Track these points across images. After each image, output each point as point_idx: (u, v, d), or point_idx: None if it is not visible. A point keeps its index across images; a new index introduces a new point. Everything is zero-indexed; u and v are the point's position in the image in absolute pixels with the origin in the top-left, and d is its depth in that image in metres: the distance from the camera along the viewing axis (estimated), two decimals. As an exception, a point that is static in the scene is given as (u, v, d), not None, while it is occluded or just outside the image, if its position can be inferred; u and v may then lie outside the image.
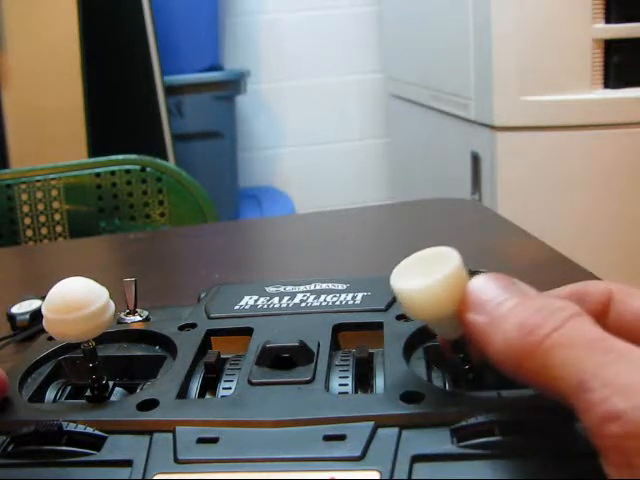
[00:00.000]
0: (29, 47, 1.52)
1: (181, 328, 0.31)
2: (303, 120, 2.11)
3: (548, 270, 0.55)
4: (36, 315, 0.48)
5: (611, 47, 1.26)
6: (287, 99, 2.09)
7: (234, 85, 1.82)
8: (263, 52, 2.05)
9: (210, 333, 0.30)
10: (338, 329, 0.30)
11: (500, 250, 0.59)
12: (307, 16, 2.04)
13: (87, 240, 0.86)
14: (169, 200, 0.96)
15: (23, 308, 0.48)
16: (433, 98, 1.62)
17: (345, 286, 0.34)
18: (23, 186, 0.95)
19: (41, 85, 1.54)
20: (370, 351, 0.28)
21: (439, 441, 0.22)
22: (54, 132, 1.54)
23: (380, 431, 0.22)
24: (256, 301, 0.33)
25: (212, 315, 0.32)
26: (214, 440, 0.23)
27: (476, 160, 1.41)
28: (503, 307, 0.22)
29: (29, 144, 1.53)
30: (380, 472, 0.21)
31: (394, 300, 0.31)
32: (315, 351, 0.27)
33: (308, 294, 0.33)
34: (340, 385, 0.26)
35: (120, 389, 0.28)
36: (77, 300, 0.25)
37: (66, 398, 0.28)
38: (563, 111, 1.27)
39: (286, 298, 0.33)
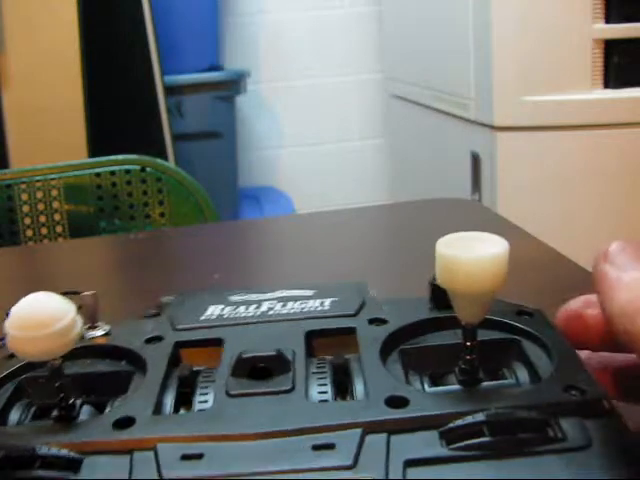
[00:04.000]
0: (29, 47, 1.52)
1: (147, 341, 0.30)
2: (303, 120, 2.11)
3: (548, 270, 0.55)
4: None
5: (611, 47, 1.26)
6: (287, 99, 2.09)
7: (234, 85, 1.82)
8: (263, 52, 2.05)
9: (179, 345, 0.29)
10: (310, 336, 0.29)
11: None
12: (307, 16, 2.04)
13: (87, 240, 0.86)
14: (169, 200, 0.96)
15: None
16: (433, 98, 1.62)
17: (312, 292, 0.33)
18: (23, 186, 0.95)
19: (41, 85, 1.54)
20: (345, 357, 0.27)
21: (429, 445, 0.22)
22: (54, 132, 1.54)
23: (368, 438, 0.22)
24: (222, 310, 0.32)
25: (178, 327, 0.30)
26: (199, 456, 0.22)
27: (476, 160, 1.41)
28: (637, 271, 0.23)
29: (29, 144, 1.54)
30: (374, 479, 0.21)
31: (363, 304, 0.31)
32: (291, 359, 0.27)
33: (275, 302, 0.32)
34: (319, 393, 0.26)
35: (88, 408, 0.27)
36: (44, 316, 0.24)
37: (32, 419, 0.27)
38: (563, 111, 1.27)
39: (253, 306, 0.32)
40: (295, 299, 0.32)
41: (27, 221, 0.95)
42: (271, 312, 0.31)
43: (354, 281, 0.34)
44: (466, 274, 0.23)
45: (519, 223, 0.64)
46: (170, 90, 1.67)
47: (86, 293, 0.32)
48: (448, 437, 0.22)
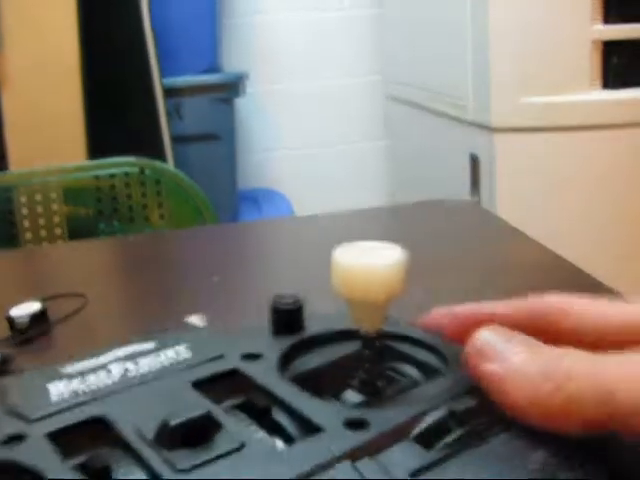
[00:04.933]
0: (29, 47, 1.52)
1: (5, 444, 0.24)
2: (302, 122, 2.11)
3: (547, 272, 0.55)
4: (35, 317, 0.48)
5: (610, 48, 1.26)
6: (286, 101, 2.09)
7: (233, 87, 1.82)
8: (262, 54, 2.05)
9: (53, 437, 0.24)
10: (198, 387, 0.26)
11: (498, 252, 0.59)
12: (306, 18, 2.04)
13: (86, 242, 0.86)
14: (168, 202, 0.96)
15: (22, 310, 0.48)
16: (431, 100, 1.62)
17: (153, 344, 0.29)
18: (22, 188, 0.95)
19: (41, 86, 1.54)
20: (253, 398, 0.26)
21: (414, 452, 0.22)
22: (53, 134, 1.54)
23: (359, 466, 0.21)
24: (70, 386, 0.27)
25: (34, 417, 0.25)
26: None
27: (475, 162, 1.42)
28: (519, 357, 0.23)
29: (28, 146, 1.53)
30: None
31: (217, 344, 0.29)
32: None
33: (122, 362, 0.28)
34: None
35: None
36: None
37: None
38: (562, 112, 1.27)
39: (102, 373, 0.27)
40: (144, 354, 0.29)
41: (26, 223, 0.95)
42: (130, 374, 0.27)
43: (186, 326, 0.32)
44: (363, 282, 0.24)
45: (518, 224, 0.64)
46: (169, 92, 1.67)
47: None
48: (422, 441, 0.22)
